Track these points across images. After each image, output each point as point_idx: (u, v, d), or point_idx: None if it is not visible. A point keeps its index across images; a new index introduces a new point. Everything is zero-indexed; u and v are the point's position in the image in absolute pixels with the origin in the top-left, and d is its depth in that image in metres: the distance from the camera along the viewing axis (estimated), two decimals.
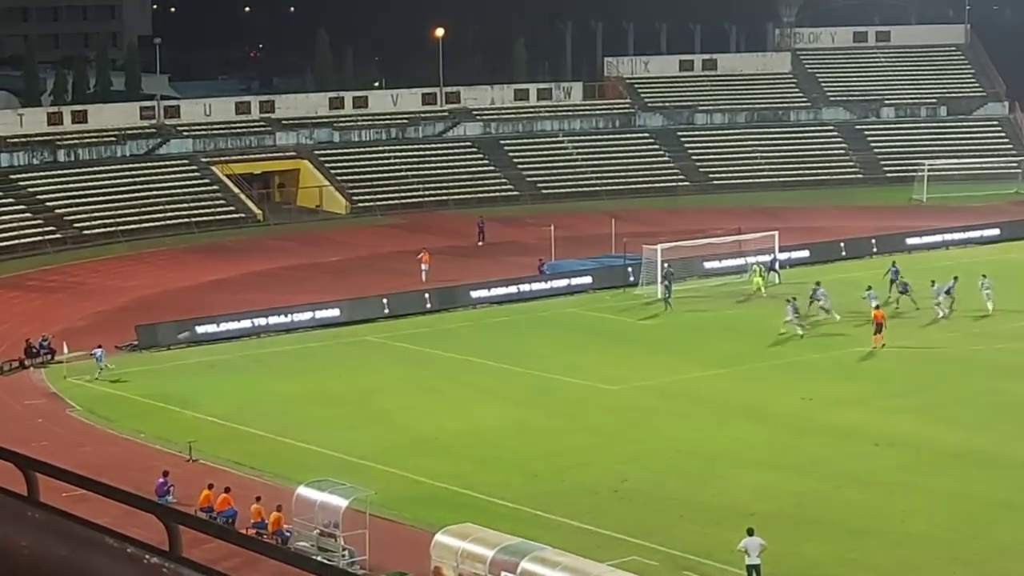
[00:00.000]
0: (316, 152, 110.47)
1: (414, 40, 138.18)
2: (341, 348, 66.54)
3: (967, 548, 40.39)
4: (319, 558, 39.19)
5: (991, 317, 68.61)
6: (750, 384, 58.63)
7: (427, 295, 74.81)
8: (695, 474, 47.31)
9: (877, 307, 65.40)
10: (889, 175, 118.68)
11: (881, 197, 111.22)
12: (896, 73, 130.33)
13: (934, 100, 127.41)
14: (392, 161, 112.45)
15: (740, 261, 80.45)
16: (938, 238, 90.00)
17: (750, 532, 37.74)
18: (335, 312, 71.47)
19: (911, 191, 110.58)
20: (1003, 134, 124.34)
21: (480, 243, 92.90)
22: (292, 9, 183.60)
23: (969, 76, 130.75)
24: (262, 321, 69.67)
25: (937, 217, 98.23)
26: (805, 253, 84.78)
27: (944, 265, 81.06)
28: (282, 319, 70.23)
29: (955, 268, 77.85)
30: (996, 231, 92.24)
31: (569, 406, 56.05)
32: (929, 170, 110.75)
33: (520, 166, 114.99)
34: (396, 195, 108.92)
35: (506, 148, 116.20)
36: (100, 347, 62.10)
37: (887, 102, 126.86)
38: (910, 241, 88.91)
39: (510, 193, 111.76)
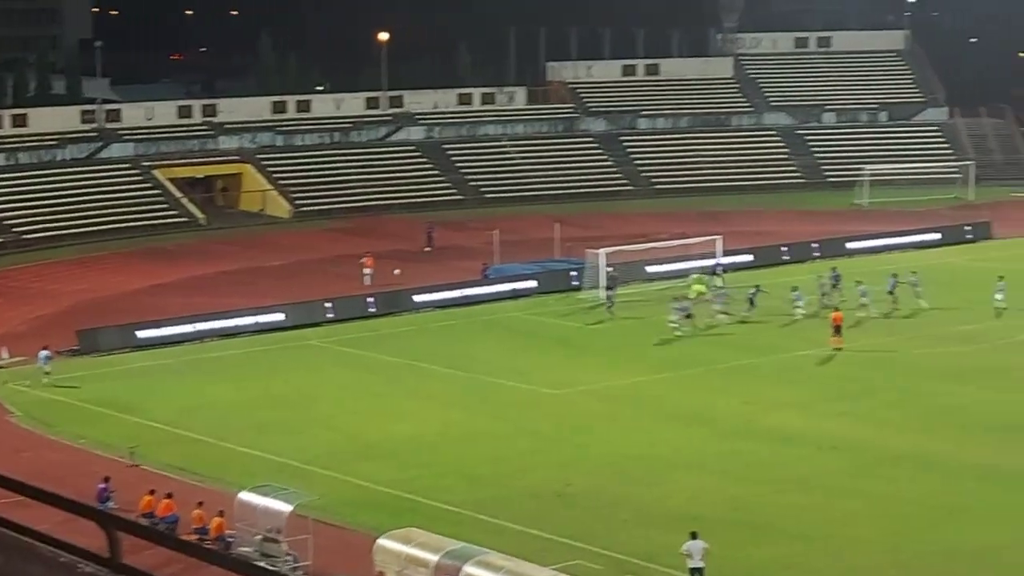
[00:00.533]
0: (259, 156, 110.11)
1: (358, 44, 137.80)
2: (284, 352, 66.31)
3: (909, 551, 40.61)
4: (262, 564, 39.08)
5: (930, 319, 68.95)
6: (693, 388, 58.80)
7: (371, 299, 74.66)
8: (638, 478, 47.38)
9: (836, 309, 65.62)
10: (830, 180, 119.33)
11: (822, 201, 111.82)
12: (837, 78, 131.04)
13: (875, 105, 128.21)
14: (335, 165, 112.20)
15: (684, 265, 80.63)
16: (879, 242, 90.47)
17: (693, 535, 37.84)
18: (279, 316, 71.22)
19: (852, 196, 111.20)
20: (943, 139, 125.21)
21: (428, 249, 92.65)
22: (235, 12, 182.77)
23: (909, 82, 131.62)
24: (205, 326, 69.31)
25: (878, 222, 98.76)
26: (748, 257, 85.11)
27: (884, 269, 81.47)
28: (225, 323, 69.90)
29: (898, 271, 78.27)
30: (937, 235, 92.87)
31: (513, 410, 56.05)
32: (870, 175, 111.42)
33: (463, 170, 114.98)
34: (339, 199, 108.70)
35: (449, 152, 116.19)
36: (46, 348, 61.52)
37: (828, 107, 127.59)
38: (851, 245, 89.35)
39: (454, 197, 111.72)
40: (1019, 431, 51.81)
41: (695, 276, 77.46)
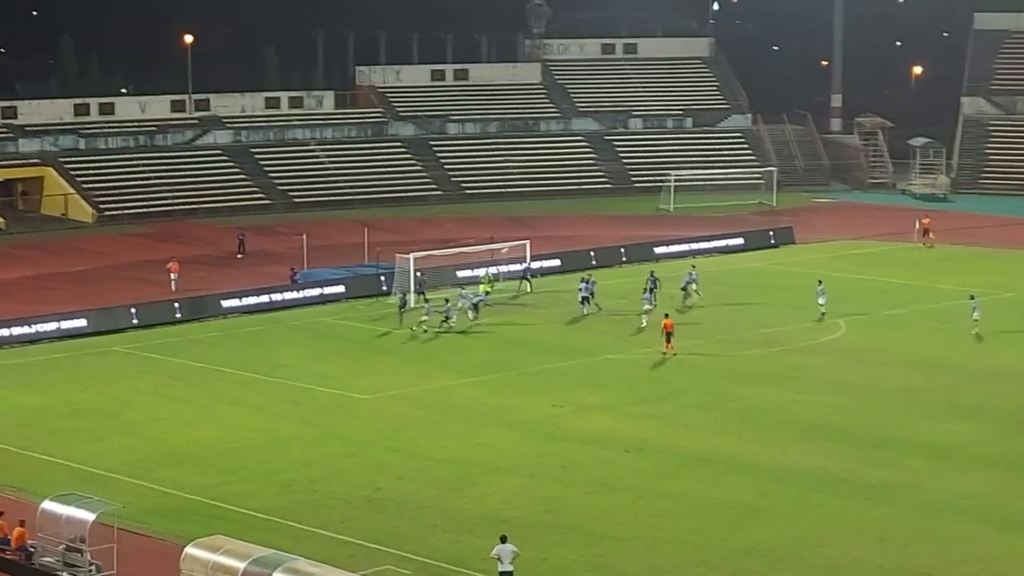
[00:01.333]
0: (61, 159, 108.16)
1: (162, 46, 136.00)
2: (87, 359, 65.28)
3: (713, 551, 41.24)
4: (65, 574, 38.46)
5: (732, 322, 69.99)
6: (501, 392, 59.07)
7: (176, 305, 73.81)
8: (448, 482, 47.47)
9: (666, 316, 65.98)
10: (637, 185, 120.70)
11: (629, 207, 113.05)
12: (643, 85, 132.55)
13: (680, 112, 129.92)
14: (140, 169, 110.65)
15: (493, 270, 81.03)
16: (684, 247, 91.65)
17: (503, 539, 37.99)
18: (81, 322, 70.08)
19: (659, 201, 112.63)
20: (746, 146, 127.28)
21: (240, 255, 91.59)
22: (35, 13, 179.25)
23: (714, 88, 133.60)
24: (4, 332, 67.97)
25: (684, 226, 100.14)
26: (556, 262, 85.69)
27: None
28: (26, 330, 68.61)
29: (702, 276, 79.45)
30: (740, 240, 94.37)
31: (321, 416, 55.80)
32: (675, 180, 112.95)
33: (271, 174, 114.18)
34: (144, 204, 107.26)
35: (257, 156, 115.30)
36: None
37: (635, 113, 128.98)
38: (658, 250, 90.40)
39: (261, 202, 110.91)
40: (816, 431, 52.91)
41: (485, 276, 78.08)
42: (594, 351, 65.98)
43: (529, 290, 78.28)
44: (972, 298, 69.43)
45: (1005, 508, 44.66)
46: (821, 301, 70.95)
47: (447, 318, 69.64)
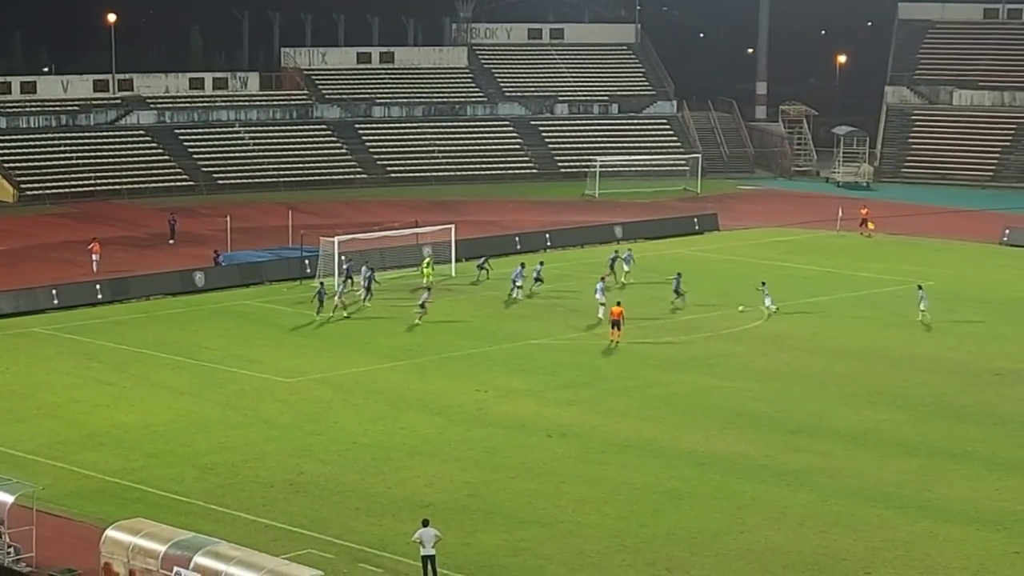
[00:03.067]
0: None
1: (86, 26, 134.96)
2: (7, 340, 64.67)
3: (635, 536, 41.40)
4: None
5: (655, 309, 70.22)
6: (425, 376, 59.01)
7: (98, 286, 73.24)
8: (371, 466, 47.40)
9: (617, 303, 65.69)
10: (563, 170, 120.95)
11: (555, 192, 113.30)
12: (570, 70, 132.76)
13: (606, 98, 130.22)
14: (62, 149, 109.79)
15: (418, 253, 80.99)
16: (609, 233, 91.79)
17: (425, 523, 37.98)
18: (1, 303, 69.42)
19: (584, 186, 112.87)
20: (672, 132, 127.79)
21: (172, 241, 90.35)
22: None
23: (640, 75, 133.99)
24: None
25: (609, 212, 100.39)
26: (482, 247, 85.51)
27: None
28: None
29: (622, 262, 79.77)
30: (665, 227, 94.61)
31: (244, 399, 55.56)
32: (601, 166, 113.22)
33: (195, 156, 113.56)
34: (66, 183, 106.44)
35: (181, 137, 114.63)
36: None
37: (561, 99, 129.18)
38: (582, 236, 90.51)
39: (185, 183, 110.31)
40: (738, 418, 53.20)
41: (426, 259, 78.05)
42: (518, 336, 66.04)
43: (487, 277, 77.88)
44: (920, 288, 69.87)
45: (923, 495, 45.09)
46: (767, 303, 69.94)
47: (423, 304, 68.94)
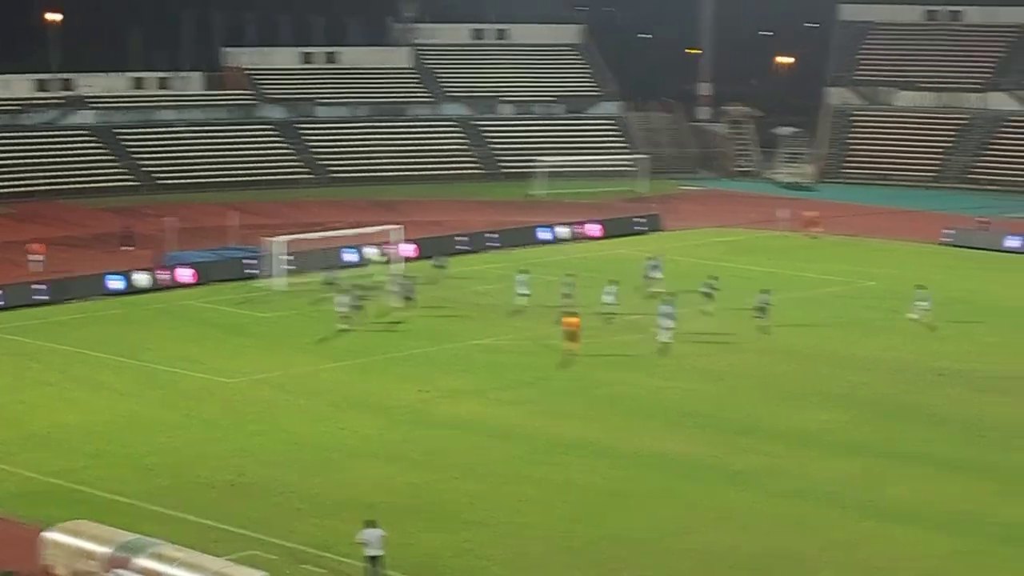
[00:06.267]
0: None
1: (26, 24, 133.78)
2: None
3: (579, 537, 41.37)
4: None
5: (601, 308, 70.24)
6: (368, 376, 58.85)
7: (39, 287, 72.68)
8: (313, 467, 47.22)
9: (575, 314, 64.71)
10: (506, 171, 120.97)
11: (499, 192, 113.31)
12: (514, 71, 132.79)
13: (550, 98, 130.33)
14: (2, 149, 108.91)
15: (362, 254, 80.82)
16: (551, 233, 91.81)
17: (370, 524, 37.84)
18: None
19: (528, 187, 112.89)
20: (616, 133, 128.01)
21: (130, 248, 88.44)
22: None
23: (584, 75, 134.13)
24: None
25: (553, 213, 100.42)
26: (427, 247, 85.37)
27: (557, 260, 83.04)
28: None
29: (568, 263, 79.88)
30: (610, 227, 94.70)
31: (186, 399, 55.27)
32: (545, 167, 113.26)
33: (137, 156, 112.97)
34: (7, 184, 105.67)
35: (122, 137, 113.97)
36: None
37: (505, 99, 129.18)
38: (526, 236, 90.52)
39: (127, 183, 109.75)
40: (683, 418, 53.29)
41: (375, 258, 77.91)
42: (462, 337, 65.95)
43: (439, 278, 77.58)
44: (922, 288, 70.07)
45: (867, 494, 45.28)
46: (708, 307, 69.89)
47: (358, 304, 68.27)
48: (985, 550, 40.74)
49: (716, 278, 72.13)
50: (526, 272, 72.18)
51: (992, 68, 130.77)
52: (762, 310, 67.63)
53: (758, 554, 40.28)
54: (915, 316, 68.94)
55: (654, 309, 65.72)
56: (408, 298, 69.81)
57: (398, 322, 68.27)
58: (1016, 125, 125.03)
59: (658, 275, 75.43)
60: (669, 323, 63.78)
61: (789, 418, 53.60)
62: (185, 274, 76.47)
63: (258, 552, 39.28)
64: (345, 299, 66.87)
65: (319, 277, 74.86)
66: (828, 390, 57.61)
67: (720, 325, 67.67)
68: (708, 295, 70.60)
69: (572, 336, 62.70)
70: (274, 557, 39.05)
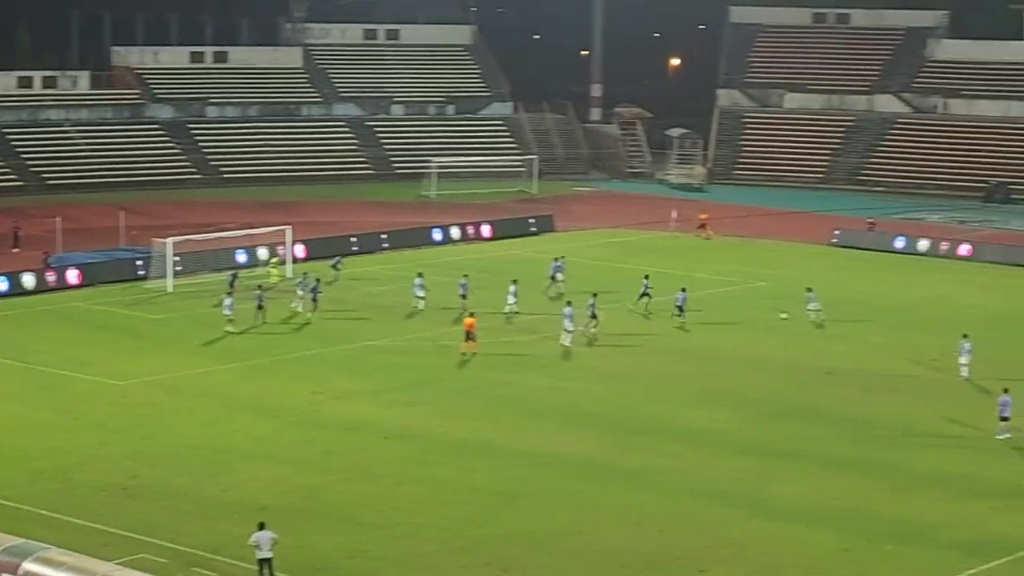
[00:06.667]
0: None
1: None
2: None
3: (472, 537, 41.38)
4: None
5: (494, 310, 70.32)
6: (261, 378, 58.52)
7: None
8: (204, 469, 46.87)
9: (471, 315, 64.50)
10: (399, 171, 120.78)
11: (391, 193, 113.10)
12: (405, 71, 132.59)
13: (442, 99, 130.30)
14: None
15: (255, 255, 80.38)
16: (444, 234, 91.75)
17: (261, 526, 37.61)
18: None
19: (421, 187, 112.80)
20: (508, 133, 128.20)
21: (16, 249, 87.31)
22: None
23: (475, 76, 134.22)
24: None
25: (445, 213, 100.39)
26: (317, 248, 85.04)
27: (450, 261, 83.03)
28: None
29: (462, 264, 79.88)
30: (502, 228, 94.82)
31: (75, 402, 54.66)
32: (437, 167, 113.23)
33: (24, 156, 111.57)
34: None
35: (9, 137, 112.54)
36: None
37: (397, 99, 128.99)
38: (419, 237, 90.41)
39: (13, 183, 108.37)
40: (576, 418, 53.45)
41: (272, 260, 77.48)
42: (356, 338, 65.76)
43: (335, 279, 77.14)
44: (809, 290, 70.82)
45: (757, 493, 45.64)
46: (631, 307, 69.97)
47: (260, 305, 67.81)
48: (873, 548, 41.19)
49: (647, 276, 72.55)
50: (421, 275, 72.12)
51: (879, 70, 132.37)
52: (681, 309, 68.16)
53: (650, 553, 40.47)
54: (786, 316, 69.88)
55: (554, 310, 65.82)
56: (314, 300, 69.29)
57: (307, 323, 67.87)
58: (902, 127, 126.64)
59: (561, 277, 75.67)
60: (570, 325, 63.99)
61: (682, 418, 53.92)
62: (73, 275, 75.64)
63: (148, 555, 38.93)
64: (230, 301, 66.35)
65: (223, 277, 74.16)
66: (720, 390, 58.02)
67: (618, 326, 67.90)
68: (647, 295, 71.04)
69: (469, 336, 62.75)
70: (164, 560, 38.72)
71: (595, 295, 67.69)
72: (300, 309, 68.70)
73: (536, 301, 72.58)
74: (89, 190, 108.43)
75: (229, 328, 65.63)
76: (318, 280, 71.09)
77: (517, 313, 69.85)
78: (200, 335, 65.82)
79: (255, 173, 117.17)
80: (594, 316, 66.33)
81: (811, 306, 70.00)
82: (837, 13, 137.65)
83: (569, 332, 64.02)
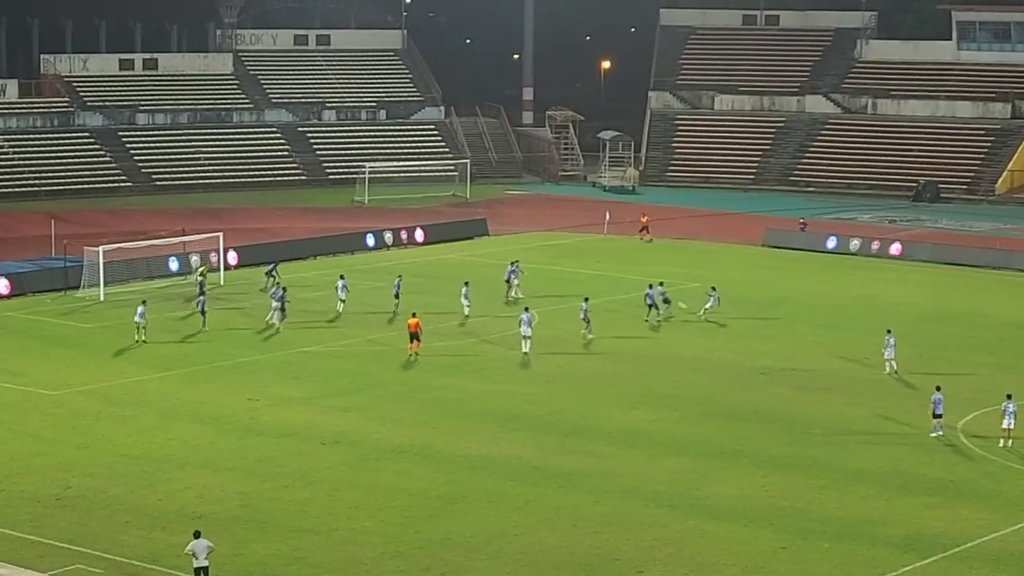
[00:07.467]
0: None
1: None
2: None
3: (410, 542, 41.34)
4: None
5: (429, 313, 70.33)
6: (196, 386, 58.24)
7: None
8: (140, 478, 46.60)
9: (413, 315, 64.57)
10: (332, 177, 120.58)
11: (324, 199, 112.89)
12: (337, 76, 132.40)
13: (374, 104, 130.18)
14: None
15: (186, 262, 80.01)
16: (377, 239, 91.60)
17: (197, 535, 37.45)
18: None
19: (353, 193, 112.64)
20: (440, 138, 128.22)
21: None
22: None
23: (407, 81, 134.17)
24: None
25: (378, 219, 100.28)
26: (250, 255, 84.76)
27: (384, 266, 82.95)
28: None
29: (396, 269, 79.83)
30: (435, 232, 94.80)
31: (7, 412, 54.21)
32: (370, 172, 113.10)
33: None
34: None
35: None
36: None
37: (328, 105, 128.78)
38: (352, 242, 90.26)
39: None
40: (511, 421, 53.48)
41: (202, 268, 77.12)
42: (291, 344, 65.56)
43: (275, 283, 76.69)
44: (713, 290, 71.16)
45: (693, 493, 45.83)
46: (582, 316, 69.62)
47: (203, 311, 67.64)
48: (808, 545, 41.45)
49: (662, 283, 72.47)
50: (343, 277, 72.09)
51: (808, 71, 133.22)
52: (587, 321, 67.77)
53: (585, 553, 40.57)
54: (684, 306, 70.81)
55: (501, 312, 65.76)
56: (282, 309, 68.69)
57: (276, 332, 67.45)
58: (833, 127, 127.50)
59: (516, 281, 75.50)
60: (528, 331, 63.89)
61: (617, 419, 54.07)
62: (2, 285, 75.06)
63: (83, 566, 38.70)
64: (142, 309, 65.76)
65: (194, 276, 73.70)
66: (655, 390, 58.23)
67: (552, 328, 68.01)
68: (667, 301, 71.18)
69: (414, 337, 62.77)
70: (99, 571, 38.50)
71: (587, 299, 67.95)
72: (276, 321, 68.09)
73: (480, 305, 72.49)
74: (18, 199, 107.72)
75: (138, 336, 65.04)
76: (285, 289, 70.80)
77: (467, 317, 69.86)
78: (134, 343, 65.39)
79: (187, 180, 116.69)
80: (587, 320, 66.36)
81: (708, 304, 70.50)
82: (767, 15, 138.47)
83: (527, 339, 63.92)
